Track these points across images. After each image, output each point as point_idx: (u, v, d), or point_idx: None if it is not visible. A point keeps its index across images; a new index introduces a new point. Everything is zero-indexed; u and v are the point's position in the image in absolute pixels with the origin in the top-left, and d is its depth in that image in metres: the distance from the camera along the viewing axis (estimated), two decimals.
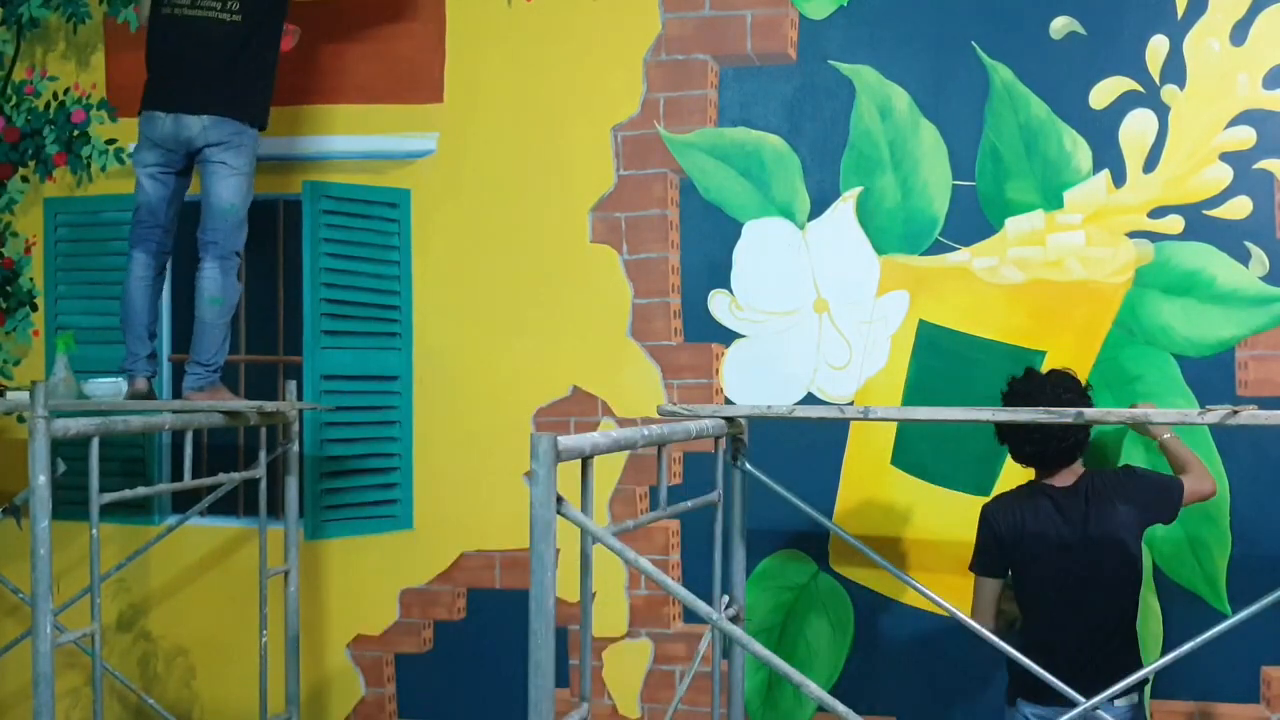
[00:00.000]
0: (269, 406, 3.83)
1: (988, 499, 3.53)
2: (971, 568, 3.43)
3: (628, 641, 4.13)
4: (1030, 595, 3.35)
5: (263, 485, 3.94)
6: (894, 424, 3.94)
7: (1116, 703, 3.14)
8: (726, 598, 3.58)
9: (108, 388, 3.86)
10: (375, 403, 4.34)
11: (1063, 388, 3.29)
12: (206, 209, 3.80)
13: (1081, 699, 3.03)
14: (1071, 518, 3.27)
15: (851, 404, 3.96)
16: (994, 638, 3.05)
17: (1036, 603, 3.33)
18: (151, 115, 3.81)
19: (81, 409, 3.85)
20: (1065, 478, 3.33)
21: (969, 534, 3.56)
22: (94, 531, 3.23)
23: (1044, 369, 3.58)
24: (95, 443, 3.20)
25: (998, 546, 3.34)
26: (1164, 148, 3.78)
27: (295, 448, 4.03)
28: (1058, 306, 3.84)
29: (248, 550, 4.34)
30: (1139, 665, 3.23)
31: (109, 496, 3.27)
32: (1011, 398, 3.35)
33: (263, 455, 3.94)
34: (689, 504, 3.34)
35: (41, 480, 2.49)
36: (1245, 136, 3.72)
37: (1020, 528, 3.31)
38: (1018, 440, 3.33)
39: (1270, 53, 3.72)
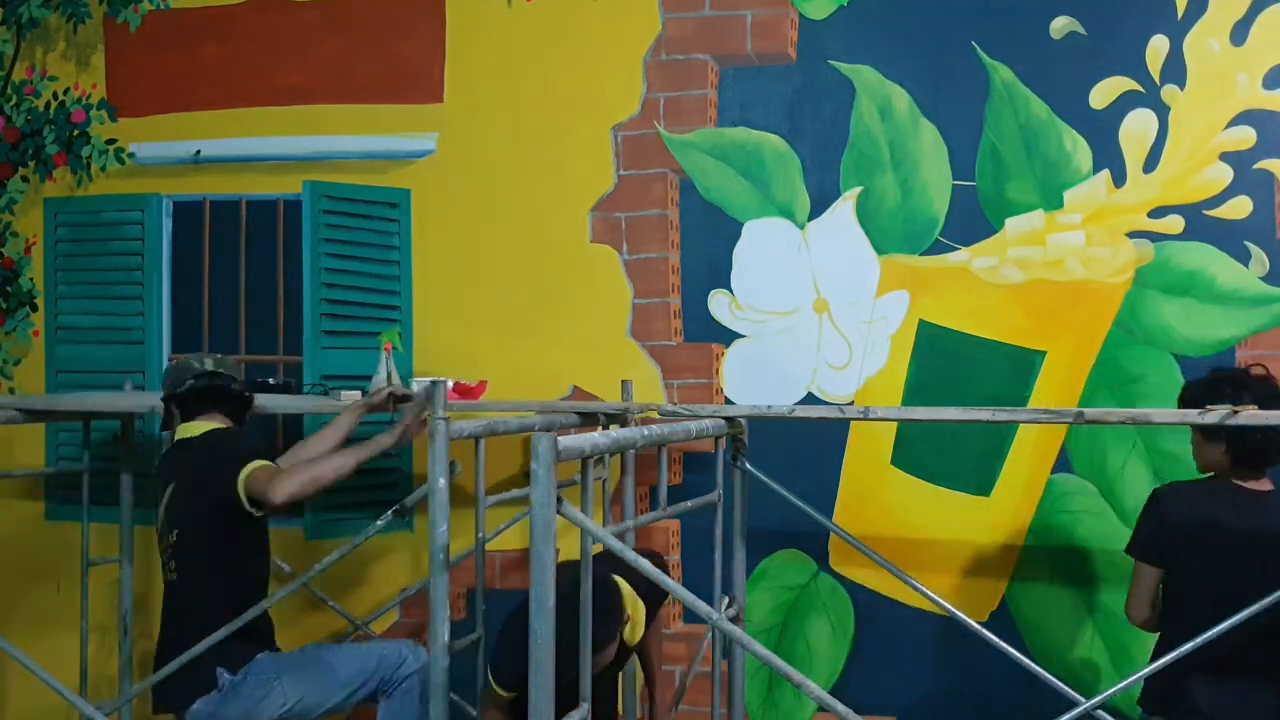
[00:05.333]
0: (635, 408, 3.68)
1: (986, 498, 3.51)
2: (1130, 550, 3.15)
3: None
4: (1184, 587, 3.05)
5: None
6: (894, 424, 3.94)
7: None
8: (726, 598, 3.58)
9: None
10: None
11: (1260, 387, 3.02)
12: None
13: (1082, 699, 3.03)
14: (1253, 518, 3.01)
15: (851, 404, 3.96)
16: (1013, 650, 2.96)
17: (1192, 599, 3.02)
18: None
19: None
20: (1262, 482, 3.06)
21: (969, 534, 3.58)
22: (480, 535, 3.16)
23: (1044, 369, 3.58)
24: (483, 443, 3.17)
25: (1163, 531, 3.05)
26: (1164, 148, 3.78)
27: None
28: (1058, 306, 3.84)
29: None
30: None
31: (492, 499, 3.22)
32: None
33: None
34: (689, 504, 3.34)
35: (441, 483, 2.42)
36: (1245, 136, 3.72)
37: (1193, 518, 3.03)
38: (1240, 433, 3.00)
39: (1270, 53, 3.72)
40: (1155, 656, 3.04)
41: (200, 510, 3.17)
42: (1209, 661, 2.86)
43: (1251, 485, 3.07)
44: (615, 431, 2.98)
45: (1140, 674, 2.94)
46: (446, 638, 2.68)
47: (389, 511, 3.93)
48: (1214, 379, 3.07)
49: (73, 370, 4.60)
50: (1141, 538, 3.13)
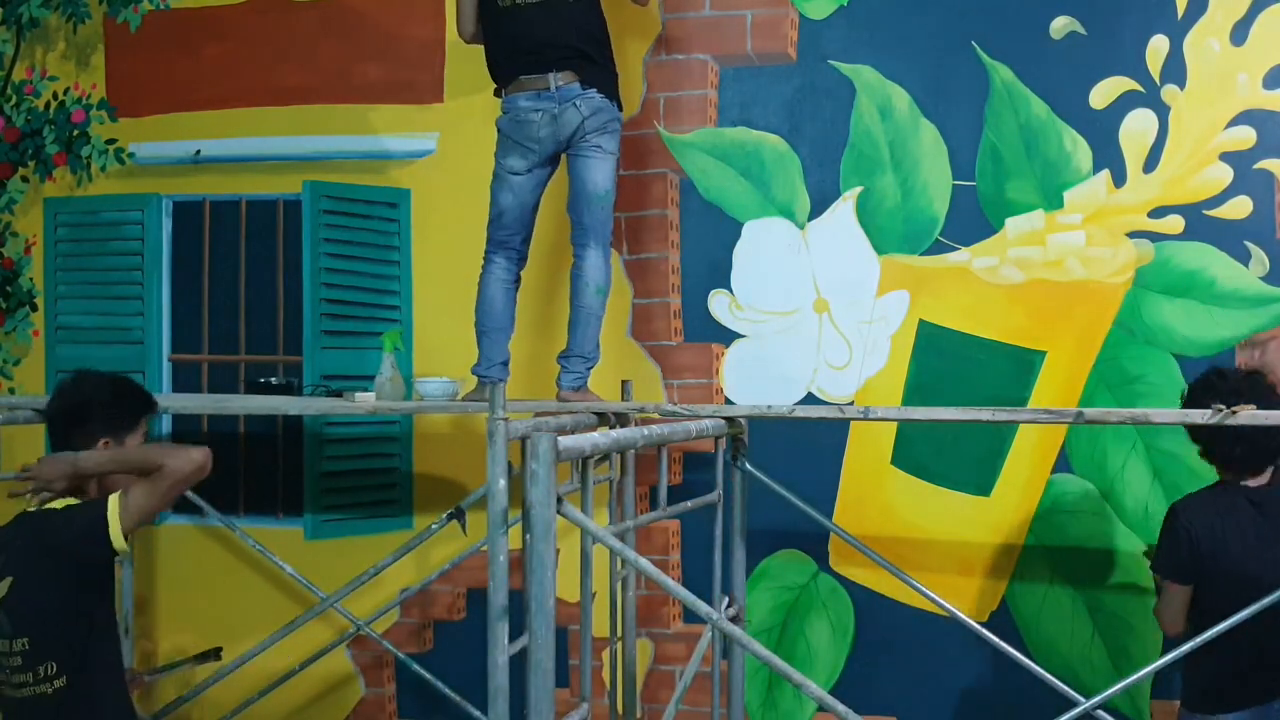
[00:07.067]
0: (649, 407, 3.59)
1: (986, 498, 3.51)
2: (1158, 570, 3.17)
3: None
4: (1219, 598, 3.02)
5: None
6: (894, 424, 3.94)
7: None
8: (726, 598, 3.58)
9: (440, 388, 3.78)
10: None
11: (1246, 384, 3.05)
12: (580, 196, 3.67)
13: (1082, 699, 3.04)
14: (1271, 516, 3.06)
15: (851, 404, 3.96)
16: (1013, 650, 2.97)
17: (1226, 605, 2.96)
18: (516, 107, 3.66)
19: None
20: (1261, 477, 3.11)
21: (969, 534, 3.58)
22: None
23: (1044, 369, 3.58)
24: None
25: (1191, 549, 3.06)
26: (1164, 148, 3.78)
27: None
28: (1058, 306, 3.84)
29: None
30: None
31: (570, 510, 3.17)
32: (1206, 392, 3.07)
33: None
34: (689, 504, 3.34)
35: (501, 485, 2.40)
36: (1245, 136, 3.72)
37: (1219, 530, 3.05)
38: (1225, 441, 3.07)
39: (1270, 53, 3.72)
40: (1194, 658, 2.99)
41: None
42: (1253, 656, 2.90)
43: (1254, 482, 3.10)
44: (615, 431, 2.98)
45: (1139, 675, 2.93)
46: (504, 639, 2.50)
47: (444, 515, 3.92)
48: (1206, 383, 3.09)
49: (73, 370, 4.59)
50: (1168, 557, 3.13)
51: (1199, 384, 3.12)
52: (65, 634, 2.59)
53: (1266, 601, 2.74)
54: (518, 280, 3.81)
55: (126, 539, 2.55)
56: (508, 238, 3.76)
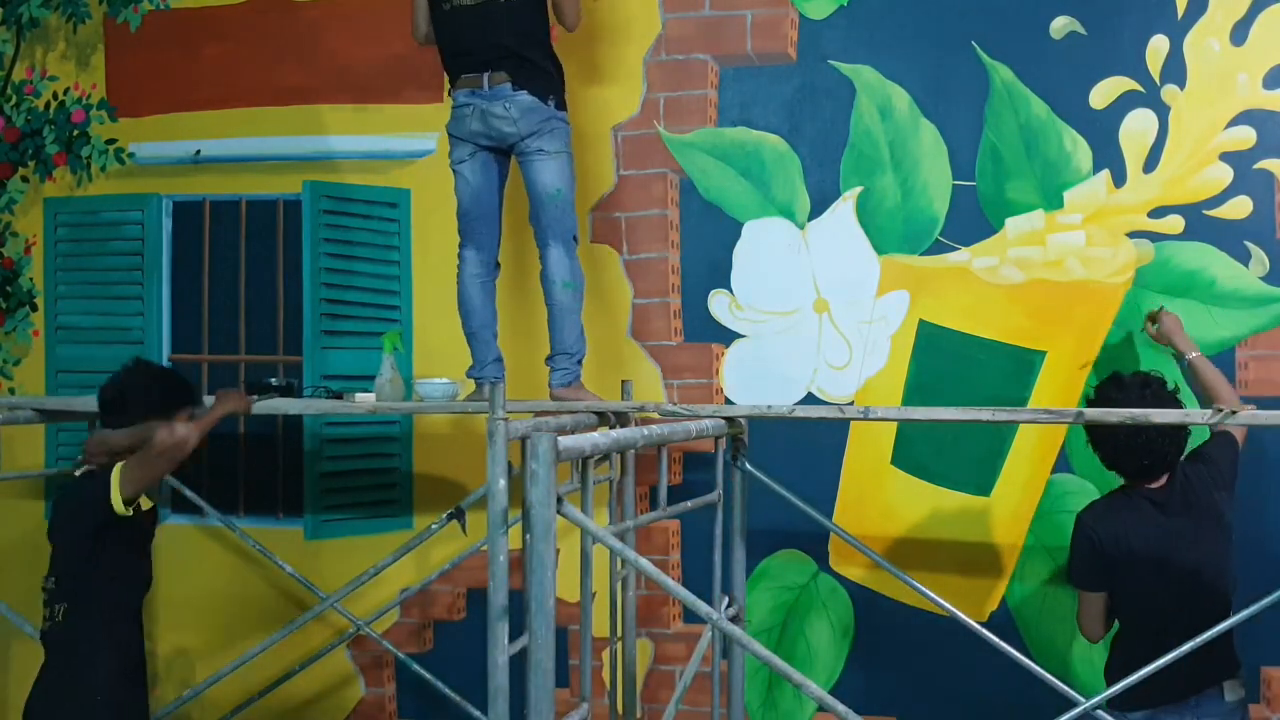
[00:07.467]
0: (650, 407, 3.58)
1: (986, 498, 3.52)
2: (1072, 581, 3.25)
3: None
4: (1135, 600, 3.15)
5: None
6: (894, 424, 3.94)
7: (1228, 697, 3.05)
8: (726, 598, 3.59)
9: (440, 389, 3.78)
10: None
11: (1149, 389, 3.14)
12: (533, 199, 3.71)
13: (1082, 699, 3.04)
14: (1174, 515, 3.11)
15: (851, 404, 3.96)
16: (1013, 650, 2.98)
17: (1143, 606, 3.14)
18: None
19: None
20: (1160, 480, 3.16)
21: (969, 534, 3.57)
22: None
23: (1044, 369, 3.58)
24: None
25: (1099, 557, 3.14)
26: (1164, 148, 3.78)
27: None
28: (1058, 306, 3.84)
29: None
30: (1235, 656, 3.10)
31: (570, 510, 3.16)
32: (1103, 403, 3.15)
33: None
34: (689, 504, 3.34)
35: (501, 485, 2.40)
36: (1245, 136, 3.72)
37: (1124, 536, 3.12)
38: (1130, 454, 3.13)
39: (1270, 53, 3.72)
40: (1114, 659, 3.15)
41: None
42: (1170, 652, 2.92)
43: (1153, 484, 3.17)
44: (615, 431, 2.98)
45: (1137, 676, 2.93)
46: (504, 639, 2.53)
47: (444, 516, 3.92)
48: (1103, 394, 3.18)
49: (73, 370, 4.60)
50: (1079, 567, 3.22)
51: (1098, 396, 3.20)
52: (76, 577, 3.08)
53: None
54: (494, 271, 3.82)
55: (130, 503, 3.00)
56: (468, 227, 3.79)
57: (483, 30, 3.66)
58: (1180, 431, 3.13)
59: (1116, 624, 3.24)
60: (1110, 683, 3.08)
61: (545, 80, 3.69)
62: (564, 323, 3.72)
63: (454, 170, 3.77)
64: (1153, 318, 3.58)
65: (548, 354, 3.75)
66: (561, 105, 3.72)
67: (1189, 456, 3.23)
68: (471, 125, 3.68)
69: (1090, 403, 3.22)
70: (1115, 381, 3.20)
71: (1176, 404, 3.15)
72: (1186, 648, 2.83)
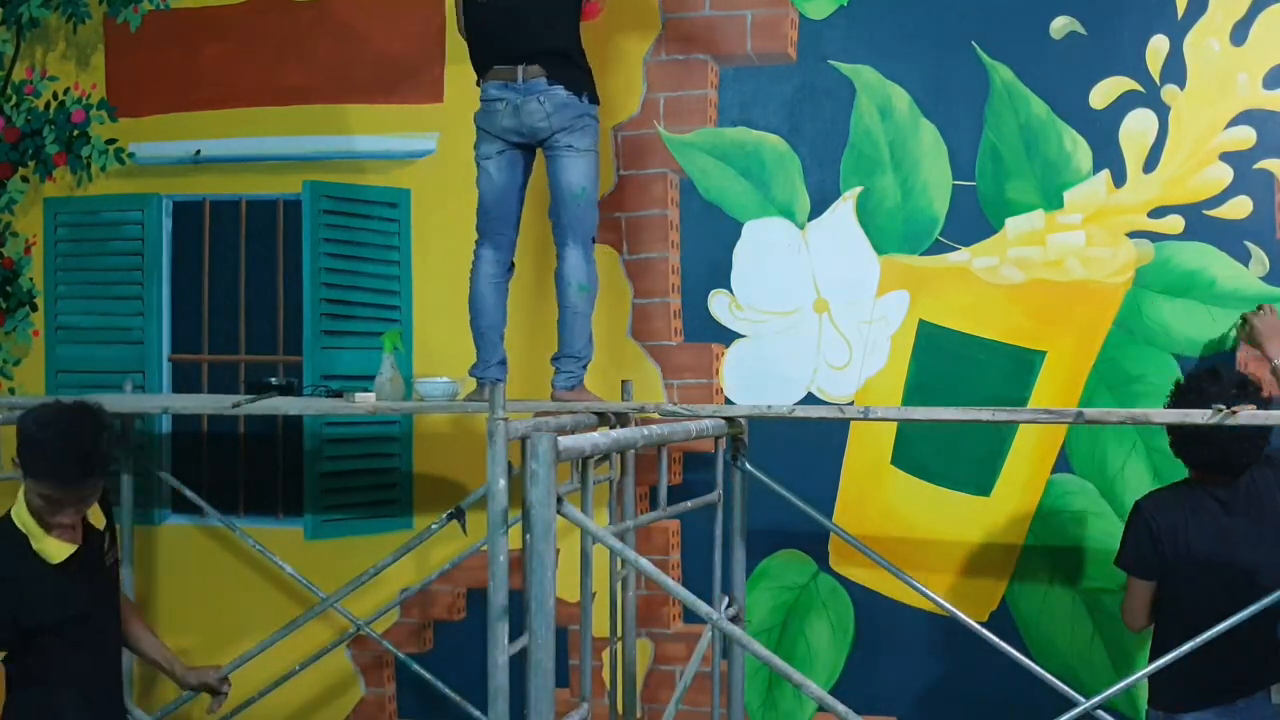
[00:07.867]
0: (650, 407, 3.55)
1: (986, 498, 3.51)
2: (1121, 565, 3.24)
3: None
4: (1186, 597, 3.11)
5: None
6: (894, 424, 3.94)
7: (1275, 700, 3.03)
8: (726, 598, 3.59)
9: (440, 388, 3.77)
10: None
11: (1245, 391, 3.08)
12: (555, 196, 3.69)
13: (1082, 699, 3.03)
14: (1236, 515, 3.10)
15: (851, 404, 3.97)
16: (1013, 650, 2.96)
17: (1193, 605, 3.07)
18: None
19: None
20: (1227, 479, 3.14)
21: (969, 534, 3.57)
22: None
23: (1044, 369, 3.58)
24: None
25: (1154, 545, 3.13)
26: (1164, 148, 3.78)
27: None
28: (1058, 306, 3.84)
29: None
30: None
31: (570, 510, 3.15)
32: (1195, 394, 3.11)
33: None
34: (689, 504, 3.34)
35: (501, 485, 2.40)
36: (1245, 136, 3.72)
37: (1182, 529, 3.10)
38: (1210, 446, 3.08)
39: (1270, 53, 3.72)
40: (1154, 655, 3.09)
41: None
42: (1220, 655, 2.88)
43: (1220, 483, 3.14)
44: (615, 431, 2.98)
45: (1138, 675, 2.94)
46: (504, 639, 2.52)
47: (444, 516, 3.92)
48: (1197, 385, 3.13)
49: (73, 370, 4.61)
50: (1132, 552, 3.19)
51: (1190, 384, 3.16)
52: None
53: (1257, 608, 2.74)
54: (508, 272, 3.80)
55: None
56: (488, 226, 3.76)
57: (517, 22, 3.61)
58: (1263, 435, 3.07)
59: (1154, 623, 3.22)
60: (1155, 681, 3.07)
61: (580, 75, 3.67)
62: (575, 325, 3.69)
63: (479, 164, 3.73)
64: (1246, 318, 3.53)
65: (554, 353, 3.74)
66: (594, 100, 3.70)
67: (1267, 461, 3.18)
68: (503, 121, 3.64)
69: (1180, 387, 3.19)
70: (1212, 374, 3.14)
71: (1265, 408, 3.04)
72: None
